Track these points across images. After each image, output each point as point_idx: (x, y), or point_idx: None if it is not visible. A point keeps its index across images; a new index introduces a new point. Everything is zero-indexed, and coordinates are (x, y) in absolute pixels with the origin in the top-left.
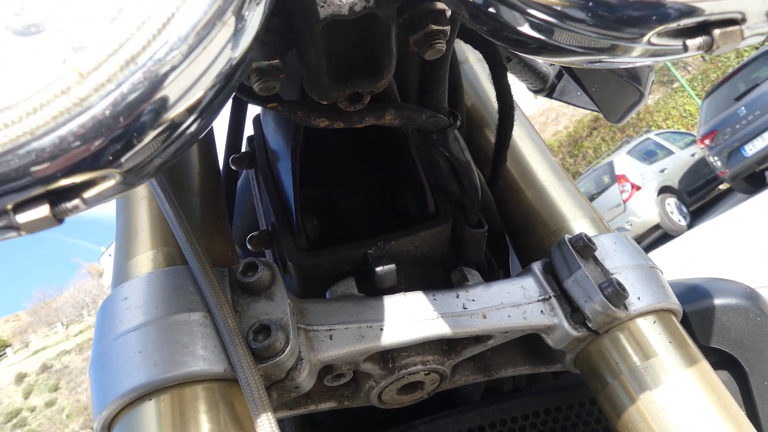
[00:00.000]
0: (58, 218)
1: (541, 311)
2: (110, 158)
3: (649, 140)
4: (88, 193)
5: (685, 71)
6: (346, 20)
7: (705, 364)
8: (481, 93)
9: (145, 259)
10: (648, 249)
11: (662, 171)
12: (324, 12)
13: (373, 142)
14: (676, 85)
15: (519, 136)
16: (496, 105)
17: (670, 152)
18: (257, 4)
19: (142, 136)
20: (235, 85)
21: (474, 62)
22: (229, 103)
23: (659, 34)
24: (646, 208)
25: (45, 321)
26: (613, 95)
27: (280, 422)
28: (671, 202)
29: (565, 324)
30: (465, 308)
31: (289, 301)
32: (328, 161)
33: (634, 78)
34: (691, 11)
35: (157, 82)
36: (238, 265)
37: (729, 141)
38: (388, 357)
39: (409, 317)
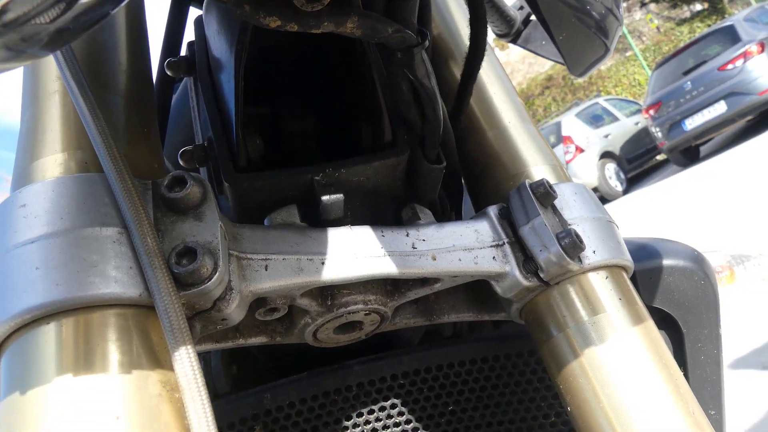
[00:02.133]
0: None
1: (493, 257)
2: None
3: (597, 105)
4: None
5: (640, 41)
6: None
7: (651, 324)
8: (450, 22)
9: (51, 162)
10: None
11: (606, 136)
12: None
13: (331, 57)
14: (629, 53)
15: (486, 72)
16: (465, 37)
17: (616, 119)
18: None
19: None
20: None
21: None
22: (168, 2)
23: None
24: (587, 171)
25: None
26: (580, 47)
27: (204, 355)
28: (611, 167)
29: (517, 273)
30: (414, 248)
31: (221, 223)
32: (278, 77)
33: (602, 31)
34: None
35: None
36: (164, 179)
37: (672, 113)
38: (328, 293)
39: (354, 253)
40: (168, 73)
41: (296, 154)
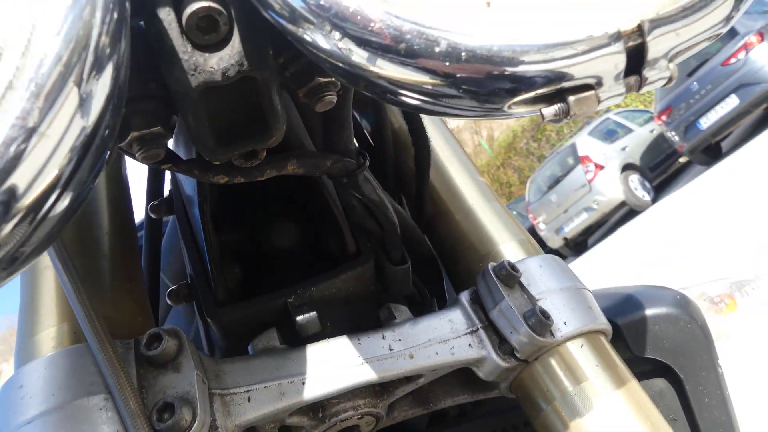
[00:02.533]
0: None
1: (469, 344)
2: None
3: (608, 120)
4: None
5: None
6: (221, 85)
7: (633, 384)
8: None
9: (45, 337)
10: (616, 226)
11: (623, 149)
12: (196, 80)
13: (292, 181)
14: None
15: (446, 157)
16: None
17: (630, 130)
18: (101, 70)
19: None
20: (103, 157)
21: None
22: None
23: (516, 104)
24: (611, 187)
25: None
26: None
27: None
28: (634, 178)
29: (494, 356)
30: (391, 349)
31: (197, 371)
32: (249, 204)
33: None
34: (545, 80)
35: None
36: (143, 337)
37: (684, 116)
38: (318, 406)
39: (333, 366)
40: (152, 215)
41: (273, 273)
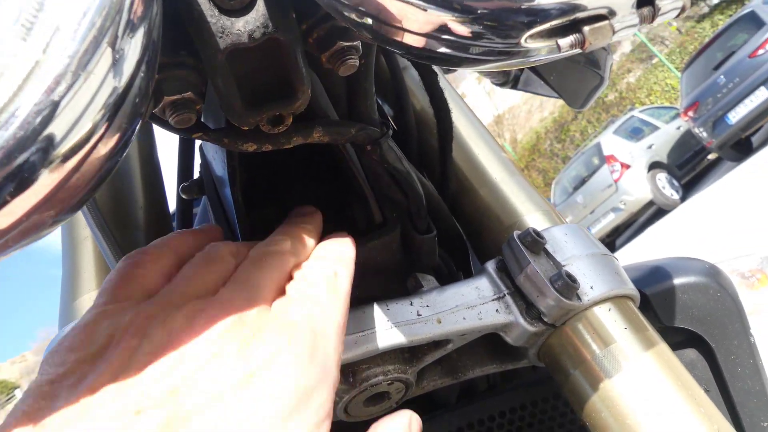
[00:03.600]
0: None
1: (497, 310)
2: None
3: (633, 118)
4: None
5: (663, 46)
6: (248, 48)
7: (663, 346)
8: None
9: (88, 300)
10: (644, 226)
11: (650, 147)
12: (224, 42)
13: (318, 154)
14: (655, 60)
15: (468, 135)
16: None
17: (656, 128)
18: (134, 31)
19: (32, 177)
20: (134, 117)
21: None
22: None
23: (533, 36)
24: (638, 186)
25: None
26: (574, 82)
27: None
28: (662, 177)
29: (521, 320)
30: (419, 315)
31: None
32: (278, 178)
33: (592, 63)
34: (560, 11)
35: (39, 122)
36: None
37: (712, 111)
38: (349, 371)
39: (361, 330)
40: (183, 196)
41: None
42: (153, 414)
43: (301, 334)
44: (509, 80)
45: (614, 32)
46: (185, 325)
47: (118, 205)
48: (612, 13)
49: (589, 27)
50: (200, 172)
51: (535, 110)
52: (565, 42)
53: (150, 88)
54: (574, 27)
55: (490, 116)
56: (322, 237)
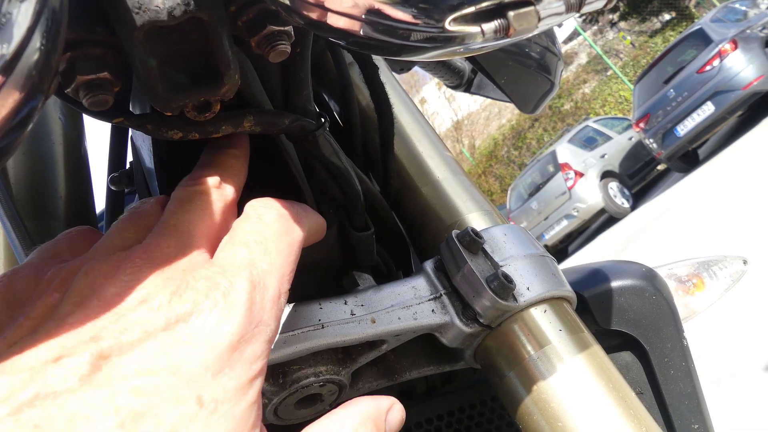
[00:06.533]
0: None
1: (432, 310)
2: None
3: (588, 127)
4: None
5: (617, 58)
6: (168, 26)
7: (597, 348)
8: None
9: None
10: (596, 233)
11: (603, 156)
12: (140, 19)
13: (252, 146)
14: (609, 72)
15: (413, 133)
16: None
17: (609, 138)
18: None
19: None
20: (31, 92)
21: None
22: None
23: (456, 20)
24: (591, 194)
25: None
26: (524, 86)
27: None
28: (613, 186)
29: (457, 321)
30: (353, 314)
31: None
32: None
33: (543, 68)
34: None
35: None
36: None
37: (662, 123)
38: (279, 372)
39: (292, 329)
40: (112, 188)
41: None
42: (73, 360)
43: (237, 282)
44: (463, 83)
45: (540, 19)
46: (109, 274)
47: (33, 193)
48: None
49: (514, 12)
50: (131, 162)
51: (494, 117)
52: (489, 27)
53: (53, 63)
54: (498, 11)
55: (449, 121)
56: None
